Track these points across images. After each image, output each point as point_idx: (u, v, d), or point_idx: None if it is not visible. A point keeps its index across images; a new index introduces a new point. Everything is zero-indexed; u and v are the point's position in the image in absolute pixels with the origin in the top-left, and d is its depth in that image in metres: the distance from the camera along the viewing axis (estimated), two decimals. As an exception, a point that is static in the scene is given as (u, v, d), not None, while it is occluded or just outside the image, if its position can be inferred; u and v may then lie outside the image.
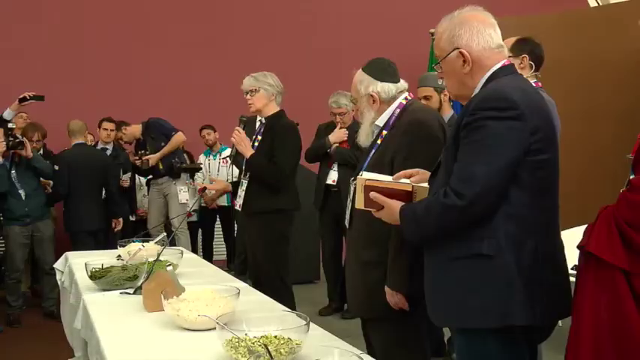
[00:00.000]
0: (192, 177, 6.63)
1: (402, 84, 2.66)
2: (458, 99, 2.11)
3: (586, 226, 1.88)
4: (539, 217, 1.91)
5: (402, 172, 2.24)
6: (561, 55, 4.79)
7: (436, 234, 1.96)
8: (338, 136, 5.21)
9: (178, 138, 6.18)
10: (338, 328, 4.01)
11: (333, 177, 5.23)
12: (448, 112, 4.05)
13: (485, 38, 2.01)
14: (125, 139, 6.42)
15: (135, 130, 6.32)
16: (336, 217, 5.27)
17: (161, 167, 6.12)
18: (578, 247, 1.87)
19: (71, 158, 5.65)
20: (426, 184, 2.13)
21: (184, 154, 6.63)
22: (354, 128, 5.18)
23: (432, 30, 7.30)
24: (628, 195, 1.75)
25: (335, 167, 5.23)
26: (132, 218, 6.65)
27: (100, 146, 6.29)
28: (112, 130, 6.31)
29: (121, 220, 5.94)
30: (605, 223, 1.77)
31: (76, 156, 5.68)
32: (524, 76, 2.87)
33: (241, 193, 4.06)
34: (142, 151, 6.13)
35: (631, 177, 1.80)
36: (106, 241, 5.62)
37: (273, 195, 3.96)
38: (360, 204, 2.19)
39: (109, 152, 6.25)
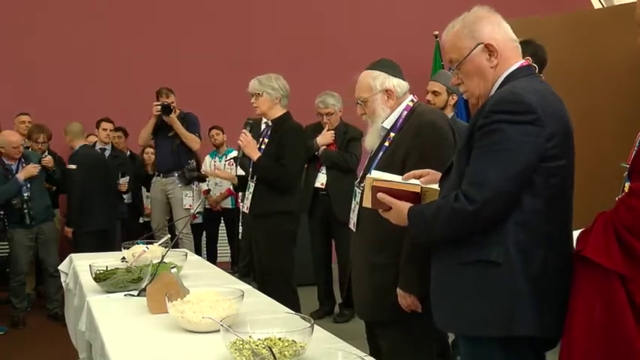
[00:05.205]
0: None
1: (407, 83, 2.66)
2: (481, 100, 2.00)
3: (580, 231, 1.86)
4: (551, 226, 1.86)
5: (412, 173, 2.21)
6: (565, 57, 4.78)
7: (444, 237, 1.92)
8: (325, 138, 5.15)
9: (194, 140, 5.99)
10: (342, 330, 4.02)
11: (321, 180, 5.17)
12: (449, 114, 4.05)
13: (506, 30, 1.98)
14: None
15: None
16: (325, 221, 5.23)
17: (174, 146, 5.92)
18: (574, 252, 1.85)
19: (84, 159, 5.68)
20: (435, 186, 2.11)
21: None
22: (341, 130, 5.18)
23: (436, 32, 7.40)
24: (628, 200, 1.72)
25: (323, 170, 5.17)
26: (140, 220, 6.65)
27: (98, 147, 6.25)
28: (111, 131, 6.30)
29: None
30: (602, 229, 1.74)
31: (87, 157, 5.72)
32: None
33: (248, 195, 4.08)
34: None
35: (626, 184, 1.78)
36: (108, 242, 5.62)
37: (280, 196, 3.97)
38: (367, 203, 2.17)
39: (107, 153, 6.25)
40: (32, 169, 5.35)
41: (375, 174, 2.24)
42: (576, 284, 1.81)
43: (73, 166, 5.58)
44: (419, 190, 2.10)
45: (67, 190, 5.74)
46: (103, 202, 5.70)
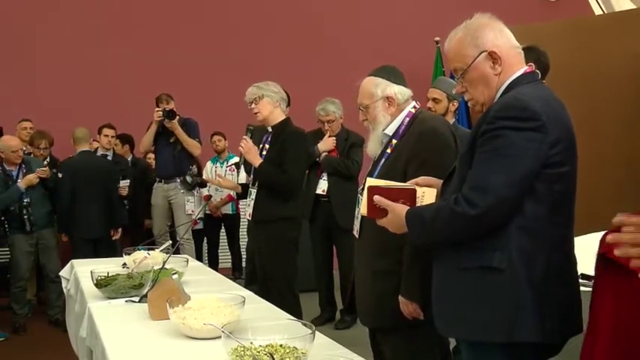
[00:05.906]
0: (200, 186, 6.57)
1: (410, 90, 2.66)
2: (485, 107, 1.99)
3: (602, 233, 1.86)
4: (553, 231, 1.87)
5: (412, 181, 2.21)
6: (565, 62, 4.78)
7: (443, 239, 1.93)
8: (327, 144, 5.16)
9: (195, 146, 6.00)
10: (343, 336, 4.01)
11: (322, 186, 5.17)
12: (450, 120, 4.05)
13: (508, 37, 1.98)
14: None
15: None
16: (326, 227, 5.22)
17: (175, 152, 5.95)
18: (598, 255, 1.85)
19: (76, 165, 5.65)
20: (433, 188, 2.11)
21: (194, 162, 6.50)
22: (342, 136, 5.18)
23: (437, 38, 7.41)
24: None
25: (324, 176, 5.17)
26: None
27: (99, 153, 6.25)
28: (112, 137, 6.30)
29: (119, 229, 5.89)
30: None
31: (81, 163, 5.68)
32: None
33: (250, 202, 4.07)
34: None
35: None
36: (105, 248, 5.59)
37: (282, 202, 3.98)
38: (364, 210, 2.16)
39: (109, 159, 6.23)
40: (33, 178, 5.34)
41: (371, 181, 2.24)
42: (600, 286, 1.80)
43: (59, 175, 5.58)
44: (414, 188, 2.10)
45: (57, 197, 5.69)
46: (98, 209, 5.65)
